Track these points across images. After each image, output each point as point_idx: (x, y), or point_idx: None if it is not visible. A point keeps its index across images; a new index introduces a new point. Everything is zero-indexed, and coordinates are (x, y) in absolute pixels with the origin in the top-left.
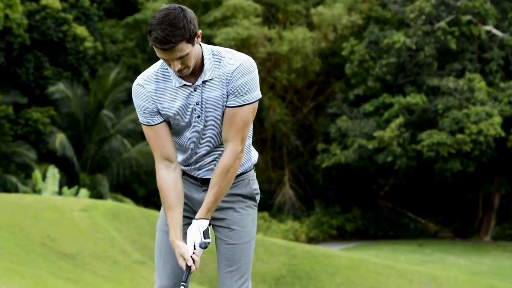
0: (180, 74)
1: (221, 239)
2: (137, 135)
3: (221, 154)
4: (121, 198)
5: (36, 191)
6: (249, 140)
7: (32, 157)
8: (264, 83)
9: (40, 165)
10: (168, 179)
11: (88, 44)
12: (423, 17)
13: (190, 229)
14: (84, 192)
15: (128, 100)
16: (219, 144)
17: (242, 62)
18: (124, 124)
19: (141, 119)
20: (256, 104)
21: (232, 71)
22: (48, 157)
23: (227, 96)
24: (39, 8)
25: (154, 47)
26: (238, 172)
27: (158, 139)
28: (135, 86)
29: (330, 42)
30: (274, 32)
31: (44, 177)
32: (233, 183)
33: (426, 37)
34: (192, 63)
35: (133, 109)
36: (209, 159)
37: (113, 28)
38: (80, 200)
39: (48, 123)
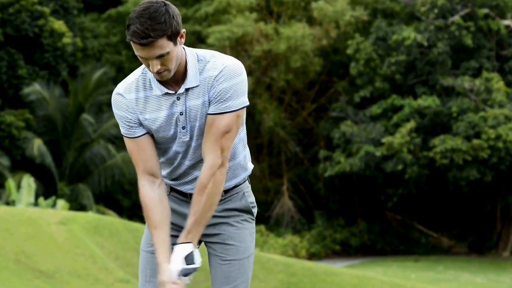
0: (160, 77)
1: (216, 255)
2: (120, 141)
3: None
4: (103, 210)
5: (9, 202)
6: (246, 151)
7: (5, 165)
8: (260, 84)
9: (14, 173)
10: (153, 196)
11: (66, 40)
12: (436, 10)
13: (172, 257)
14: (62, 203)
15: (111, 103)
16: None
17: (226, 65)
18: (107, 129)
19: (123, 130)
20: (242, 112)
21: (215, 75)
22: (22, 164)
23: (209, 102)
24: (13, 1)
25: (131, 43)
26: (232, 185)
27: (141, 153)
28: (114, 96)
29: (332, 39)
30: (271, 27)
31: (18, 187)
32: (226, 197)
33: (439, 33)
34: (173, 65)
35: None
36: (196, 173)
37: (94, 22)
38: (58, 212)
39: (23, 127)
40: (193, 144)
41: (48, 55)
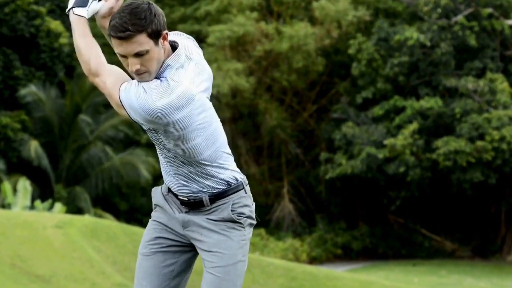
0: (139, 79)
1: (203, 262)
2: (118, 143)
3: (179, 168)
4: (101, 213)
5: (5, 205)
6: (214, 168)
7: (1, 168)
8: (261, 85)
9: (9, 176)
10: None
11: (63, 40)
12: (439, 10)
13: None
14: (58, 206)
15: (109, 104)
16: (171, 155)
17: (149, 105)
18: (104, 130)
19: None
20: (115, 96)
21: (147, 83)
22: (18, 167)
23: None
24: (9, 0)
25: (111, 38)
26: (214, 193)
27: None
28: None
29: (334, 39)
30: (272, 27)
31: (14, 190)
32: (212, 208)
33: (442, 33)
34: (154, 67)
35: (114, 114)
36: (174, 169)
37: (91, 22)
38: (54, 216)
39: (18, 129)
40: (158, 137)
41: (45, 56)
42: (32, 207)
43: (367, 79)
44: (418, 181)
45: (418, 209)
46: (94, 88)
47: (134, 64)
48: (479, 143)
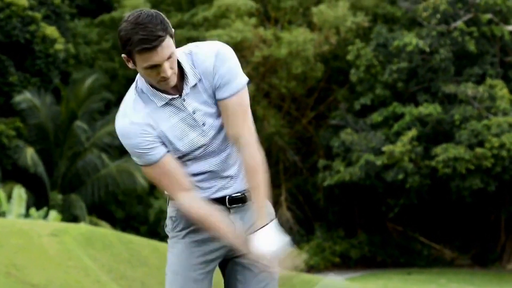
0: (167, 84)
1: (251, 265)
2: (114, 150)
3: (228, 159)
4: (96, 221)
5: None
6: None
7: None
8: (259, 91)
9: (4, 183)
10: (201, 205)
11: (59, 46)
12: (438, 15)
13: (260, 240)
14: (54, 214)
15: (105, 111)
16: (224, 149)
17: (217, 48)
18: (100, 137)
19: (142, 160)
20: (246, 90)
21: (213, 63)
22: (13, 174)
23: (216, 89)
24: (3, 6)
25: (138, 55)
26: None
27: (169, 175)
28: (123, 126)
29: (332, 44)
30: (270, 33)
31: (8, 198)
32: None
33: (441, 39)
34: (176, 66)
35: (111, 121)
36: (230, 171)
37: (87, 27)
38: (49, 224)
39: (13, 136)
40: (218, 139)
41: (40, 62)
42: (27, 215)
43: (366, 86)
44: (417, 188)
45: (417, 217)
46: (89, 95)
47: (168, 69)
48: (479, 150)
